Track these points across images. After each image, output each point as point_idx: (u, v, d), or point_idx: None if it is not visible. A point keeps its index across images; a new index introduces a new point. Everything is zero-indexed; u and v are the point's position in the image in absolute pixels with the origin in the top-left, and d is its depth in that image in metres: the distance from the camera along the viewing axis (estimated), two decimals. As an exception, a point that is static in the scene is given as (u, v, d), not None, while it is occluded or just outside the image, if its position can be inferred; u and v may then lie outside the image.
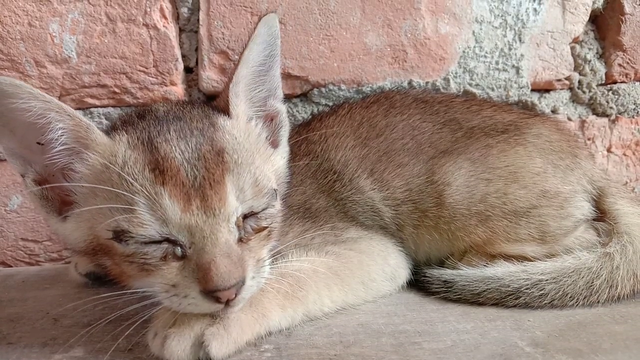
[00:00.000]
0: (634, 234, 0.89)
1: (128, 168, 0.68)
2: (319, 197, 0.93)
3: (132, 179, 0.67)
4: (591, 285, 0.83)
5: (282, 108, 0.86)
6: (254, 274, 0.70)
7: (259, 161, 0.75)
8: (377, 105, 1.03)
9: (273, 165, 0.81)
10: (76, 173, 0.72)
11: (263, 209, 0.73)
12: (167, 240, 0.68)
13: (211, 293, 0.65)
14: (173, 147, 0.70)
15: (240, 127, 0.77)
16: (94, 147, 0.72)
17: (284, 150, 0.87)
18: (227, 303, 0.67)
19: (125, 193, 0.67)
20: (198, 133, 0.72)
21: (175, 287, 0.67)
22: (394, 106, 1.03)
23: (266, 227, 0.74)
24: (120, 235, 0.68)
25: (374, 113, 1.02)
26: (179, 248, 0.68)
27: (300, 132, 1.03)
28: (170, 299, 0.68)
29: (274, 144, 0.85)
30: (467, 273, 0.86)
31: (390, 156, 0.96)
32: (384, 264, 0.88)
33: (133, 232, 0.67)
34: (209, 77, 1.17)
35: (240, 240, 0.70)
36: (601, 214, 0.95)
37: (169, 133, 0.72)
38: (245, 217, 0.71)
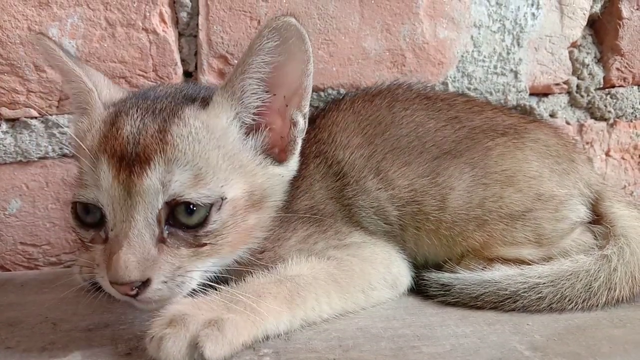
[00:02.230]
0: (631, 236, 0.89)
1: (91, 137, 0.75)
2: (328, 203, 0.91)
3: (87, 146, 0.74)
4: (589, 288, 0.83)
5: (300, 121, 0.82)
6: (167, 279, 0.70)
7: (218, 161, 0.75)
8: (380, 99, 1.01)
9: (254, 176, 0.79)
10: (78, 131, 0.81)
11: (200, 221, 0.72)
12: (97, 222, 0.74)
13: (111, 283, 0.69)
14: (128, 121, 0.75)
15: (207, 122, 0.76)
16: (89, 113, 0.80)
17: (287, 168, 0.84)
18: (135, 296, 0.70)
19: (82, 158, 0.74)
20: (158, 112, 0.76)
21: (98, 267, 0.73)
22: (397, 99, 1.00)
23: (206, 244, 0.73)
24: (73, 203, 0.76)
25: (378, 107, 0.99)
26: (103, 232, 0.73)
27: (309, 131, 0.98)
28: (97, 276, 0.74)
29: (281, 158, 0.83)
30: (465, 277, 0.86)
31: (396, 154, 0.94)
32: (385, 272, 0.88)
33: (76, 192, 0.74)
34: (208, 82, 1.17)
35: (162, 241, 0.71)
36: (598, 218, 0.95)
37: (135, 109, 0.77)
38: (176, 224, 0.71)
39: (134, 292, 0.69)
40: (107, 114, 0.78)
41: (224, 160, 0.75)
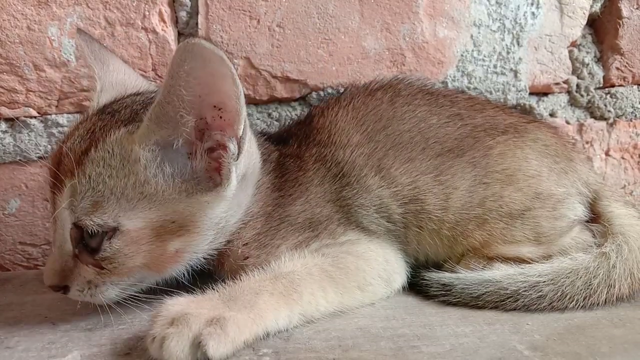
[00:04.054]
0: (629, 234, 0.89)
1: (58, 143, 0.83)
2: (324, 207, 0.89)
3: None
4: (589, 285, 0.83)
5: (230, 146, 0.75)
6: (81, 289, 0.78)
7: (125, 189, 0.74)
8: (382, 93, 1.00)
9: (173, 204, 0.75)
10: None
11: (94, 235, 0.75)
12: None
13: None
14: (73, 135, 0.80)
15: (127, 148, 0.75)
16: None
17: (219, 195, 0.77)
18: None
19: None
20: (93, 132, 0.79)
21: None
22: (399, 94, 0.99)
23: (104, 267, 0.77)
24: None
25: (379, 101, 0.98)
26: None
27: (307, 133, 0.96)
28: None
29: (215, 182, 0.77)
30: (466, 276, 0.86)
31: (398, 150, 0.93)
32: (380, 268, 0.88)
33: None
34: (208, 81, 1.17)
35: (76, 256, 0.78)
36: (596, 216, 0.95)
37: (86, 123, 0.81)
38: (85, 244, 0.76)
39: (60, 292, 0.79)
40: (73, 123, 0.86)
41: (134, 188, 0.74)
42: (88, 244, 0.76)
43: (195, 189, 0.76)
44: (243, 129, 0.75)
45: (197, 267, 0.84)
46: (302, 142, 0.95)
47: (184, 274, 0.83)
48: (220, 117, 0.74)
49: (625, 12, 1.24)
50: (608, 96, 1.30)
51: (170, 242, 0.77)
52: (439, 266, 0.94)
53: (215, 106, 0.73)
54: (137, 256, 0.76)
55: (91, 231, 0.74)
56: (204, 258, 0.84)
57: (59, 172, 0.76)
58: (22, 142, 1.16)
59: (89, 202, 0.74)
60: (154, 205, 0.75)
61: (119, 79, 0.90)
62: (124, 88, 0.90)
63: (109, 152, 0.75)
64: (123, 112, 0.81)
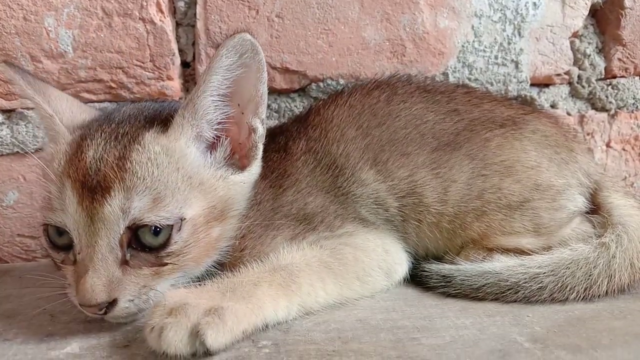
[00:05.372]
0: (628, 224, 0.89)
1: (58, 162, 0.77)
2: (316, 196, 0.90)
3: (54, 170, 0.76)
4: (590, 276, 0.83)
5: (259, 127, 0.83)
6: (133, 297, 0.73)
7: (177, 183, 0.76)
8: (379, 92, 1.00)
9: (214, 191, 0.80)
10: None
11: (163, 242, 0.74)
12: (68, 245, 0.76)
13: (80, 305, 0.72)
14: (92, 147, 0.76)
15: (167, 146, 0.78)
16: (57, 138, 0.81)
17: (250, 173, 0.85)
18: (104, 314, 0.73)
19: (48, 183, 0.76)
20: (120, 138, 0.77)
21: (69, 287, 0.77)
22: (396, 93, 1.00)
23: (168, 263, 0.75)
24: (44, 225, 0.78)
25: (376, 100, 0.99)
26: (71, 254, 0.75)
27: (300, 129, 0.98)
28: (69, 295, 0.77)
29: (242, 164, 0.84)
30: (466, 268, 0.86)
31: (394, 145, 0.93)
32: (379, 259, 0.87)
33: (46, 215, 0.76)
34: (206, 72, 1.16)
35: (126, 263, 0.73)
36: (596, 207, 0.95)
37: (99, 133, 0.78)
38: (139, 246, 0.73)
39: (102, 312, 0.72)
40: (73, 138, 0.80)
41: (183, 181, 0.77)
42: (149, 243, 0.74)
43: (227, 173, 0.82)
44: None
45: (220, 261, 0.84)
46: (291, 137, 0.96)
47: (211, 267, 0.83)
48: (251, 104, 0.81)
49: (627, 2, 1.24)
50: (609, 87, 1.29)
51: (214, 228, 0.79)
52: (438, 258, 0.93)
53: (248, 95, 0.81)
54: (196, 245, 0.77)
55: (160, 225, 0.73)
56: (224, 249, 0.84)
57: (98, 181, 0.73)
58: (19, 133, 1.15)
59: (149, 200, 0.73)
60: (201, 194, 0.78)
61: (64, 106, 0.87)
62: (73, 114, 0.88)
63: (152, 151, 0.76)
64: (137, 118, 0.82)
